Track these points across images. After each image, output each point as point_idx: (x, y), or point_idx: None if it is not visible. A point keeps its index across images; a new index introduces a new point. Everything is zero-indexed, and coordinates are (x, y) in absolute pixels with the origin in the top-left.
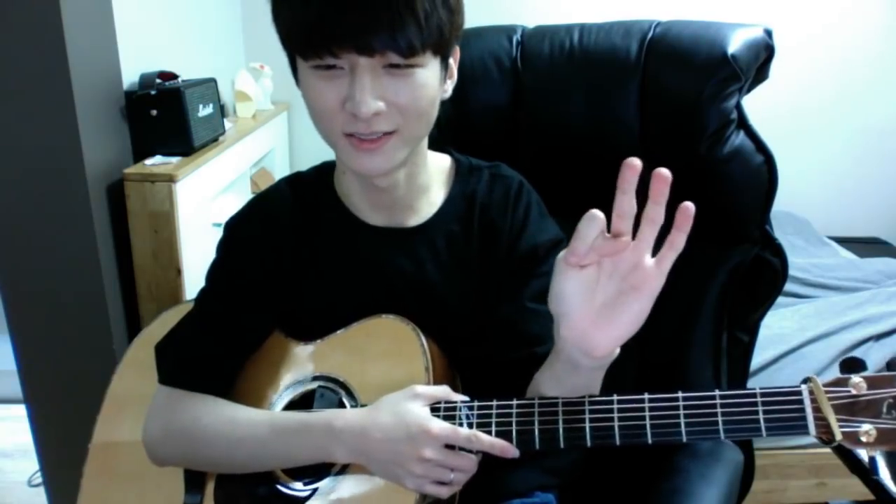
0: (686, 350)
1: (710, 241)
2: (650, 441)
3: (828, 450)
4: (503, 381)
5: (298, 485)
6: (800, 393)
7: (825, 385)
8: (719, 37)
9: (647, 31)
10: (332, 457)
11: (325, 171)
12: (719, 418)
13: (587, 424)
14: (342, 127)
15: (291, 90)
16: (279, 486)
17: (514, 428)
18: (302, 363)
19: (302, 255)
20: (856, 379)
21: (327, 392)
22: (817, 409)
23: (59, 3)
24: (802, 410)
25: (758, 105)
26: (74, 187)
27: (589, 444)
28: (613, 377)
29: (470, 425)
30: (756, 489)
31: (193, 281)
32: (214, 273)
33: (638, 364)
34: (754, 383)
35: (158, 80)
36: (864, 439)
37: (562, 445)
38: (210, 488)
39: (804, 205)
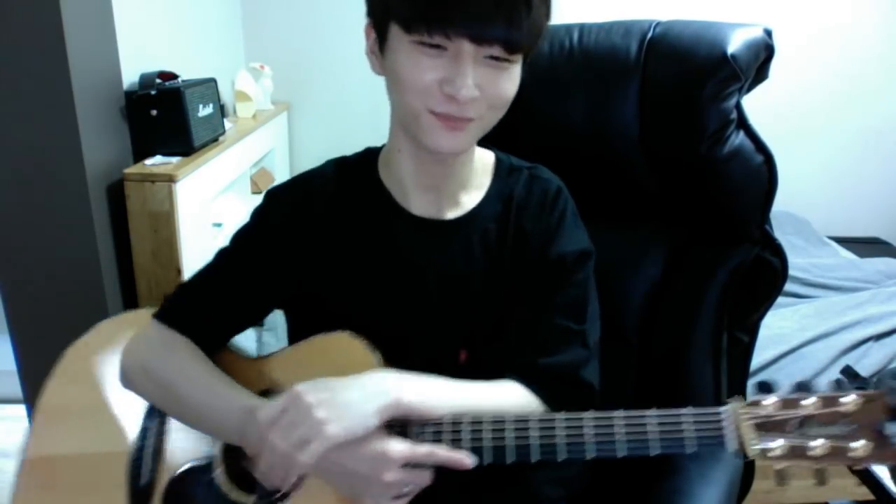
0: (686, 350)
1: (710, 242)
2: (594, 455)
3: None
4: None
5: (251, 498)
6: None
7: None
8: (719, 37)
9: (646, 31)
10: None
11: (369, 156)
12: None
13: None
14: (432, 105)
15: (291, 90)
16: (231, 502)
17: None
18: (253, 377)
19: (336, 238)
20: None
21: None
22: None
23: (59, 3)
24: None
25: (758, 105)
26: (74, 187)
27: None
28: (614, 377)
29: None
30: (756, 489)
31: None
32: (240, 235)
33: (638, 364)
34: (754, 383)
35: (158, 80)
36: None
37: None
38: (156, 502)
39: (804, 205)
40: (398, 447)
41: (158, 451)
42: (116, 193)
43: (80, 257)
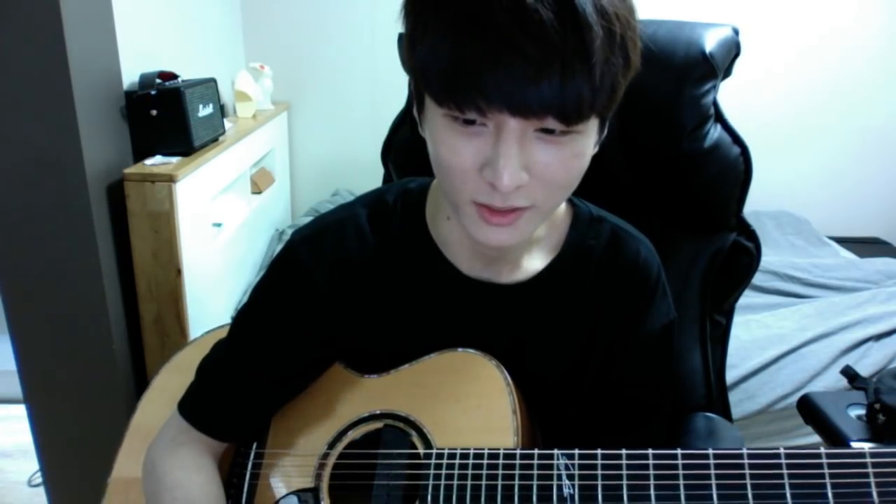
0: (676, 337)
1: (691, 231)
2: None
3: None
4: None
5: None
6: None
7: None
8: (695, 36)
9: None
10: None
11: (413, 205)
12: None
13: (713, 481)
14: (473, 195)
15: (291, 90)
16: None
17: (624, 482)
18: (364, 398)
19: (378, 294)
20: None
21: (395, 432)
22: None
23: (59, 3)
24: None
25: (759, 105)
26: (74, 187)
27: None
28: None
29: (570, 477)
30: None
31: (193, 281)
32: (262, 293)
33: None
34: (755, 383)
35: (158, 80)
36: None
37: None
38: None
39: (804, 205)
40: None
41: (254, 480)
42: (116, 193)
43: (80, 257)
